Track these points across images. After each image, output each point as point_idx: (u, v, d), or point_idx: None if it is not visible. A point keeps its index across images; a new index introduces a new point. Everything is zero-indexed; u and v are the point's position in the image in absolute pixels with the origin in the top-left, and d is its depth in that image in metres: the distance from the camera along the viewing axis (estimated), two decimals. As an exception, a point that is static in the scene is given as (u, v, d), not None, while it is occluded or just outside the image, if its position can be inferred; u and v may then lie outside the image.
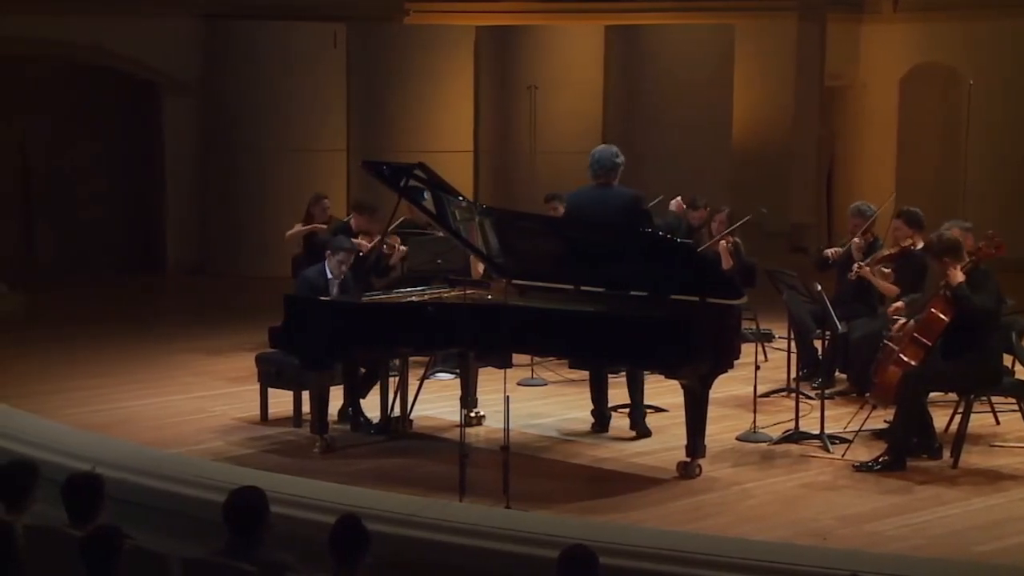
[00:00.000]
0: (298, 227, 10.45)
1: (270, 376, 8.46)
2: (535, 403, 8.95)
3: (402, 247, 9.69)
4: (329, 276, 8.31)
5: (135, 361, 10.36)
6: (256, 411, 8.53)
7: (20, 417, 8.21)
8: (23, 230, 15.32)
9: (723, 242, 9.69)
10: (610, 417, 8.27)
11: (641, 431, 8.06)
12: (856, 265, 8.75)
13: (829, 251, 9.35)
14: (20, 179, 15.31)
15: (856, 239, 9.06)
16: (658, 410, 8.46)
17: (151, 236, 15.48)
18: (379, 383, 8.28)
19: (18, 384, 9.40)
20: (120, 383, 9.58)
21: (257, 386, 8.57)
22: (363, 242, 9.53)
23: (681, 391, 7.39)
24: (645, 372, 8.15)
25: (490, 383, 8.56)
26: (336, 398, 8.23)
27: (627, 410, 8.37)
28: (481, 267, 9.06)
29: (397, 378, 8.27)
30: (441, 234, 9.20)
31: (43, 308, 12.86)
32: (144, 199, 15.52)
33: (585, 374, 8.95)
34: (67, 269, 14.95)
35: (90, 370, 10.00)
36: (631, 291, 7.48)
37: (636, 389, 8.10)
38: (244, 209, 14.86)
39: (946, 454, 7.52)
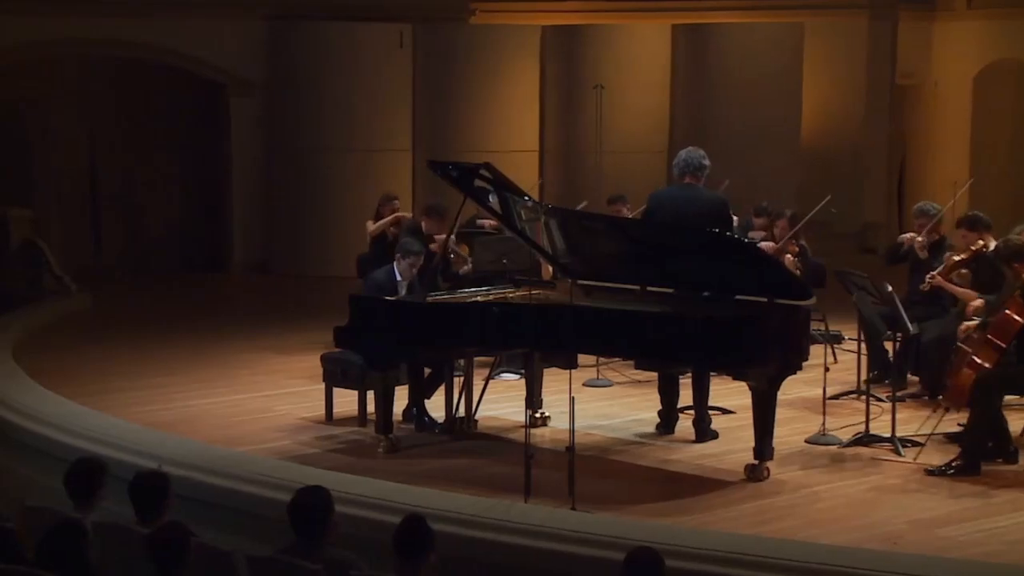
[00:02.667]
0: (380, 222, 10.46)
1: (335, 376, 8.51)
2: (601, 404, 8.93)
3: (468, 259, 9.69)
4: (398, 278, 8.35)
5: (201, 360, 10.45)
6: (321, 411, 8.58)
7: (88, 415, 8.32)
8: (91, 229, 15.54)
9: (788, 256, 9.65)
10: (677, 419, 8.23)
11: (703, 439, 8.01)
12: (929, 276, 8.63)
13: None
14: (88, 178, 15.54)
15: (919, 238, 8.95)
16: (725, 412, 8.41)
17: (216, 235, 15.63)
18: (444, 383, 8.30)
19: (86, 382, 9.52)
20: (186, 382, 9.67)
21: (322, 386, 8.62)
22: (433, 246, 9.56)
23: (748, 393, 7.32)
24: (712, 374, 8.10)
25: (555, 384, 8.54)
26: (401, 398, 8.25)
27: (693, 413, 8.35)
28: (549, 267, 9.05)
29: (462, 378, 8.28)
30: (507, 234, 9.22)
31: (110, 307, 13.02)
32: (210, 199, 15.67)
33: (651, 375, 8.91)
34: (133, 268, 15.12)
35: (156, 369, 10.11)
36: (698, 292, 7.43)
37: (701, 397, 8.05)
38: (309, 209, 14.95)
39: (1022, 459, 7.40)
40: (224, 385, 9.59)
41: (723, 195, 8.08)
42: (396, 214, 10.38)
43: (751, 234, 10.12)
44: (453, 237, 8.82)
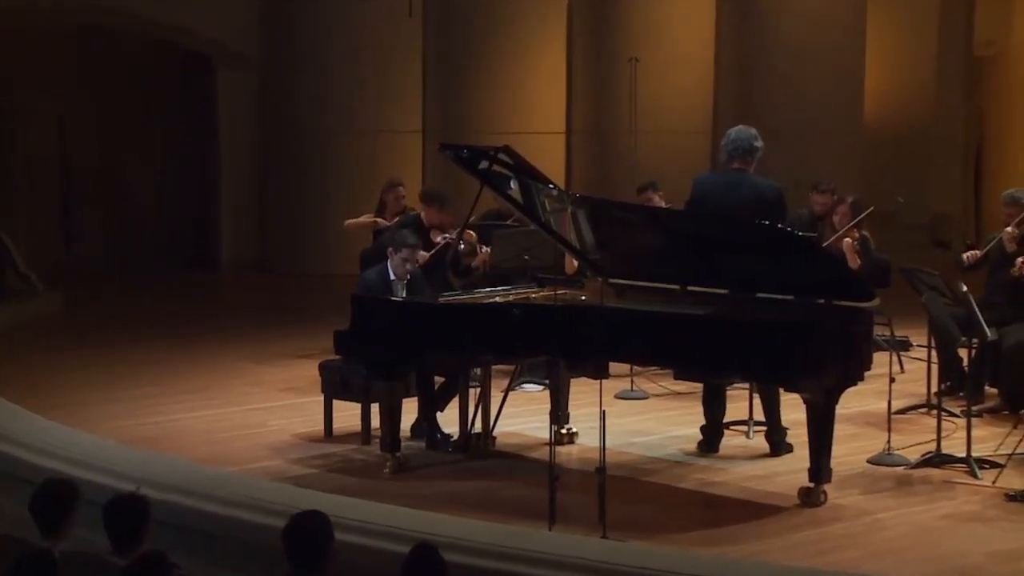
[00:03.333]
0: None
1: (335, 386, 8.52)
2: (635, 419, 8.92)
3: (484, 248, 9.69)
4: (392, 277, 8.32)
5: (185, 369, 10.49)
6: (319, 426, 8.60)
7: (57, 431, 8.34)
8: (62, 223, 15.61)
9: (847, 239, 9.52)
10: (722, 435, 8.21)
11: (778, 452, 8.02)
12: (1020, 260, 8.56)
13: (965, 255, 9.18)
14: (59, 166, 15.60)
15: (1008, 229, 8.89)
16: (768, 424, 8.38)
17: (204, 229, 15.70)
18: (458, 395, 8.30)
19: (55, 394, 9.56)
20: (169, 393, 9.71)
21: (321, 398, 8.63)
22: (434, 237, 9.55)
23: (803, 406, 7.30)
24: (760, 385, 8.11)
25: (584, 396, 8.53)
26: (410, 411, 8.26)
27: (743, 427, 8.33)
28: (575, 264, 9.04)
29: (478, 389, 8.28)
30: (529, 227, 9.21)
31: (84, 309, 13.08)
32: (196, 188, 15.74)
33: (692, 386, 8.87)
34: (111, 266, 15.21)
35: (135, 378, 10.14)
36: (745, 292, 7.41)
37: (771, 405, 8.03)
38: (308, 198, 15.00)
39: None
40: (212, 397, 9.62)
41: (776, 184, 8.03)
42: (370, 218, 10.39)
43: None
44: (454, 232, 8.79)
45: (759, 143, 7.92)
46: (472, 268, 9.72)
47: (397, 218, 10.27)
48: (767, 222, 7.38)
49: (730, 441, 8.24)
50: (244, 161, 15.40)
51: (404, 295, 8.27)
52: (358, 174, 14.55)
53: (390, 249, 8.36)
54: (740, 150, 7.88)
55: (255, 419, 9.02)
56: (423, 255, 9.04)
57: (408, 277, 8.31)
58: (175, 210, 15.83)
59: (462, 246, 9.48)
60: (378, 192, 10.79)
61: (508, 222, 10.11)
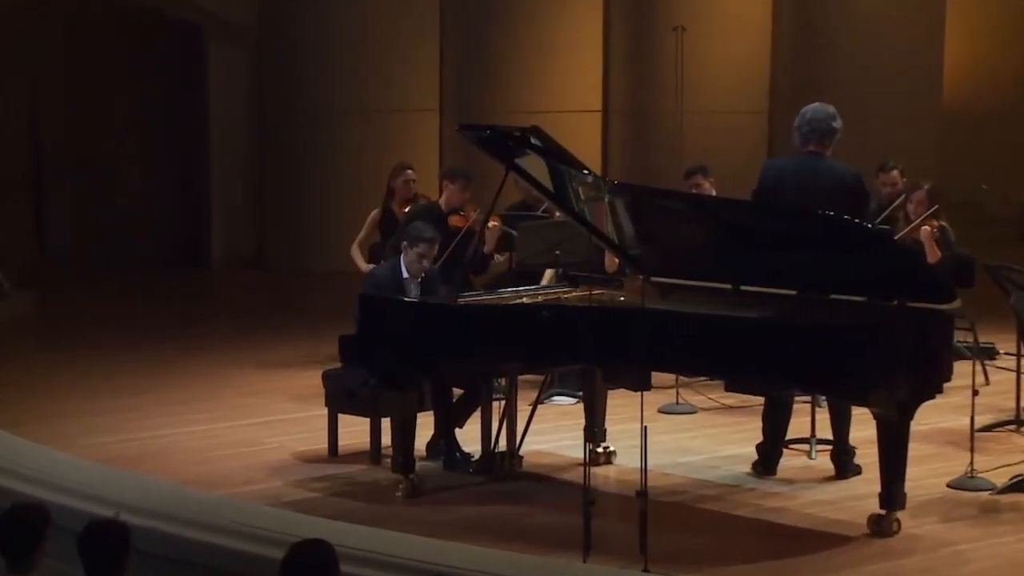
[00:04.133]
0: (358, 258, 10.38)
1: (341, 398, 8.52)
2: (681, 436, 8.92)
3: (508, 231, 9.64)
4: (405, 275, 8.32)
5: (172, 378, 10.50)
6: (323, 443, 8.60)
7: (27, 448, 8.35)
8: (34, 213, 15.66)
9: (925, 228, 9.44)
10: (781, 455, 8.18)
11: (845, 473, 8.00)
12: None
13: None
14: (30, 153, 15.64)
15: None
16: (835, 443, 8.34)
17: (192, 221, 15.73)
18: (479, 409, 8.29)
19: (25, 406, 9.57)
20: (153, 406, 9.71)
21: (324, 411, 8.63)
22: (455, 221, 9.51)
23: (873, 422, 7.27)
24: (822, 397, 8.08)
25: (623, 410, 8.52)
26: (425, 427, 8.26)
27: (804, 446, 8.31)
28: (615, 261, 9.01)
29: (503, 402, 8.27)
30: (560, 218, 9.17)
31: (58, 311, 13.11)
32: (184, 175, 15.77)
33: (746, 399, 8.83)
34: (87, 263, 15.24)
35: (115, 389, 10.16)
36: (806, 292, 7.38)
37: (841, 420, 8.01)
38: (309, 187, 15.02)
39: None
40: (201, 410, 9.63)
41: (854, 170, 8.00)
42: (372, 216, 10.36)
43: None
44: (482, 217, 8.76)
45: (838, 123, 7.91)
46: (489, 258, 9.69)
47: (408, 208, 10.26)
48: (844, 212, 7.34)
49: (790, 462, 8.21)
50: (238, 145, 15.42)
51: (418, 295, 8.26)
52: (366, 159, 14.55)
53: (404, 243, 8.35)
54: (817, 131, 7.87)
55: (250, 435, 9.02)
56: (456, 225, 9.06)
57: (423, 275, 8.30)
58: (160, 200, 15.86)
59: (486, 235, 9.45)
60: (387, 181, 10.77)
61: (536, 213, 10.09)
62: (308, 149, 15.04)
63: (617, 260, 8.81)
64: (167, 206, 15.86)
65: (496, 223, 9.64)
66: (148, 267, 15.28)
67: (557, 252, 9.32)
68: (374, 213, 10.58)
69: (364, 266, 10.29)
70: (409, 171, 10.62)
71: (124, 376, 10.55)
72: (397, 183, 10.54)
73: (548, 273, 9.45)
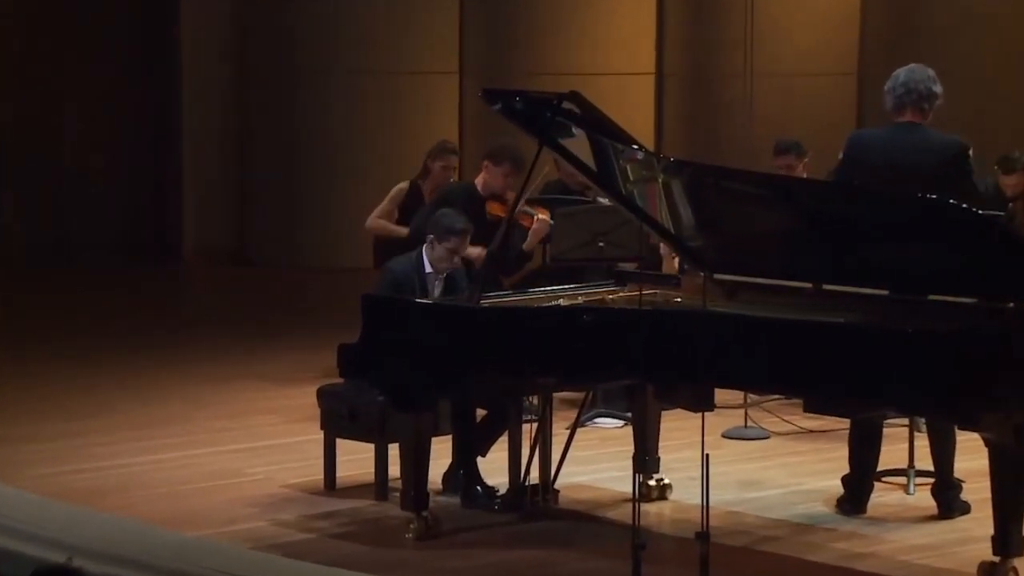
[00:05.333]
0: (381, 223, 10.37)
1: (340, 420, 8.51)
2: (751, 466, 8.92)
3: (545, 220, 9.62)
4: (427, 270, 8.32)
5: (137, 395, 10.51)
6: (318, 473, 8.59)
7: (-35, 480, 8.40)
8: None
9: None
10: (872, 489, 8.15)
11: (949, 512, 7.96)
12: None
13: None
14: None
15: None
16: (938, 476, 8.32)
17: (161, 206, 15.76)
18: (507, 433, 8.28)
19: (-36, 429, 9.63)
20: (114, 429, 9.72)
21: (320, 435, 8.63)
22: (495, 210, 9.46)
23: (984, 450, 7.22)
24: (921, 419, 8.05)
25: (679, 435, 8.52)
26: (442, 455, 8.25)
27: (900, 479, 8.29)
28: (673, 258, 8.98)
29: (534, 426, 8.25)
30: (604, 202, 9.14)
31: (5, 315, 13.13)
32: (152, 151, 15.80)
33: (828, 422, 8.80)
34: (37, 256, 15.28)
35: (69, 408, 10.18)
36: (901, 292, 7.36)
37: (943, 449, 7.98)
38: (303, 165, 15.03)
39: None
40: (173, 434, 9.64)
41: (963, 140, 7.97)
42: (399, 232, 10.24)
43: None
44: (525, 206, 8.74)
45: (938, 87, 7.90)
46: (528, 257, 9.67)
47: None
48: (947, 194, 7.29)
49: (883, 498, 8.19)
50: (215, 116, 15.45)
51: (439, 294, 8.25)
52: (372, 131, 14.56)
53: (431, 237, 8.29)
54: (913, 95, 7.86)
55: (231, 464, 9.02)
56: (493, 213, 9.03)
57: (448, 272, 8.30)
58: (124, 180, 15.89)
59: (527, 223, 9.43)
60: (398, 156, 10.77)
61: (576, 196, 10.08)
62: (301, 119, 15.06)
63: (674, 254, 8.77)
64: (131, 189, 15.89)
65: (545, 216, 9.60)
66: (107, 261, 15.30)
67: (601, 244, 9.30)
68: (400, 187, 10.54)
69: (392, 228, 10.27)
70: (453, 156, 10.56)
71: (79, 393, 10.56)
72: (436, 165, 10.48)
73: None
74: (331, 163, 14.85)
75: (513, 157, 9.52)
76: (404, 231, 10.05)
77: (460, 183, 10.13)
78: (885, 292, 7.42)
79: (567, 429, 8.46)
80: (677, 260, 8.86)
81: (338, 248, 14.25)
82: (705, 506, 6.69)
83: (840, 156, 8.18)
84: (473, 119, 14.65)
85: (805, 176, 10.14)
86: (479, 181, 9.67)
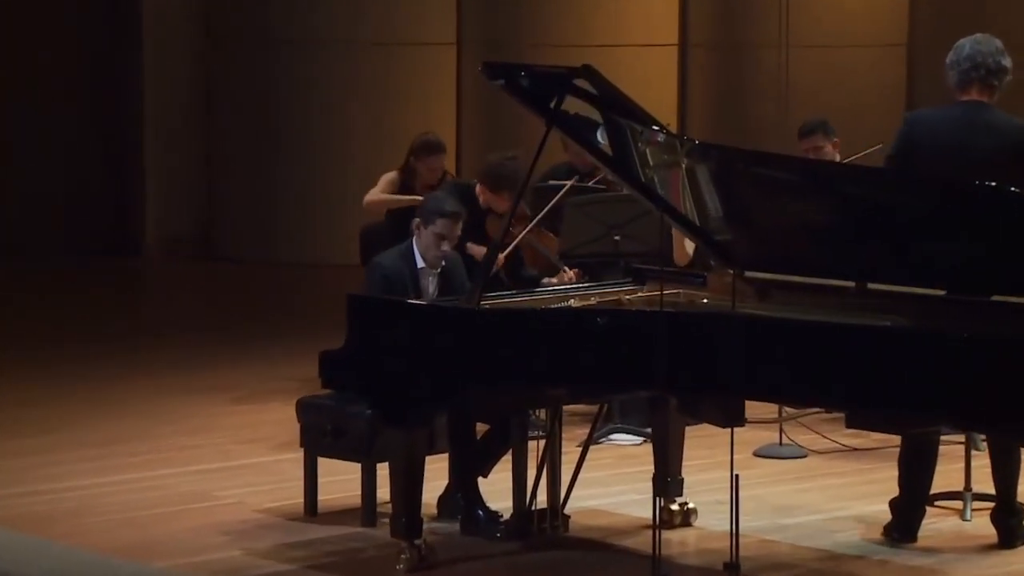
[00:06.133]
0: (385, 195, 10.40)
1: (322, 437, 8.52)
2: (786, 488, 8.94)
3: (558, 260, 9.69)
4: (419, 264, 8.34)
5: (94, 409, 10.54)
6: (298, 497, 8.60)
7: None
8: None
9: None
10: (924, 514, 8.16)
11: (1011, 541, 7.97)
12: None
13: None
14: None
15: None
16: (999, 501, 8.34)
17: (120, 195, 15.76)
18: (511, 451, 8.30)
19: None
20: (67, 447, 9.74)
21: (299, 454, 8.64)
22: (496, 227, 9.49)
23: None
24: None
25: (706, 453, 8.58)
26: (437, 475, 8.27)
27: (956, 503, 8.30)
28: (690, 247, 8.99)
29: (542, 443, 8.27)
30: (619, 190, 9.16)
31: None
32: (108, 133, 15.79)
33: (875, 438, 8.82)
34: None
35: (15, 423, 10.19)
36: (958, 291, 7.37)
37: (1007, 471, 7.99)
38: (280, 149, 15.03)
39: None
40: (134, 452, 9.65)
41: None
42: (409, 198, 10.22)
43: None
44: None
45: (1007, 61, 7.88)
46: (537, 280, 9.73)
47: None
48: (1017, 182, 7.30)
49: (936, 524, 8.20)
50: (180, 93, 15.45)
51: (434, 293, 8.26)
52: (358, 111, 14.55)
53: (417, 221, 8.31)
54: (981, 70, 7.85)
55: (200, 487, 9.04)
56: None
57: (443, 264, 8.30)
58: (78, 167, 15.89)
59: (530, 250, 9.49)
60: (391, 140, 10.78)
61: (588, 184, 10.10)
62: (277, 98, 15.06)
63: (694, 248, 8.79)
64: (86, 176, 15.89)
65: (574, 275, 9.64)
66: (60, 255, 15.30)
67: (616, 238, 9.31)
68: (390, 176, 10.54)
69: (396, 197, 10.30)
70: (438, 156, 10.49)
71: (29, 407, 10.58)
72: (421, 165, 10.47)
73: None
74: (311, 146, 14.86)
75: (507, 179, 9.59)
76: (411, 199, 10.05)
77: (458, 186, 10.09)
78: (941, 292, 7.43)
79: (579, 447, 8.49)
80: (691, 247, 8.88)
81: (319, 241, 14.26)
82: (734, 534, 6.71)
83: (895, 141, 8.15)
84: (472, 96, 14.67)
85: (836, 159, 10.14)
86: (479, 192, 9.73)
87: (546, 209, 8.43)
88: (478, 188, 9.83)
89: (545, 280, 9.76)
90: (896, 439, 8.30)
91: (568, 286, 8.51)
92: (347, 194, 10.85)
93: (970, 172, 7.59)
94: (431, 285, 8.32)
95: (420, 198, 9.84)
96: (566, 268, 9.72)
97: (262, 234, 15.15)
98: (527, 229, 8.89)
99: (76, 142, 15.91)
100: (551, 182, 10.14)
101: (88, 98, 15.88)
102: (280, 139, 15.05)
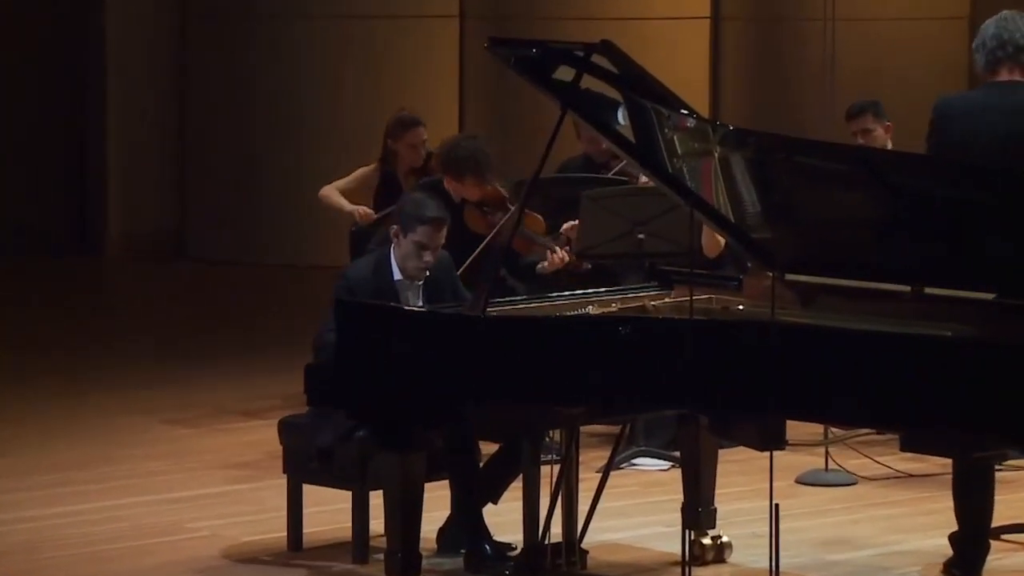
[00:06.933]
0: (336, 198, 10.44)
1: (308, 461, 8.52)
2: (833, 520, 8.94)
3: (550, 241, 9.69)
4: (396, 276, 8.34)
5: (49, 429, 10.56)
6: (280, 529, 8.60)
7: None
8: None
9: None
10: (988, 549, 8.17)
11: None
12: None
13: None
14: None
15: None
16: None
17: (80, 189, 15.77)
18: (521, 476, 8.31)
19: None
20: (19, 472, 9.75)
21: (282, 480, 8.65)
22: (474, 221, 9.54)
23: None
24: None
25: (741, 480, 8.61)
26: (438, 504, 8.28)
27: None
28: (722, 238, 9.01)
29: (557, 467, 8.28)
30: (643, 182, 9.17)
31: None
32: (67, 122, 15.82)
33: (933, 463, 8.85)
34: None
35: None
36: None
37: None
38: (261, 136, 15.04)
39: None
40: (95, 479, 9.67)
41: None
42: (357, 209, 10.31)
43: None
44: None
45: None
46: (540, 271, 9.73)
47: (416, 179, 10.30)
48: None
49: (1003, 560, 8.21)
50: (145, 77, 15.46)
51: (422, 304, 8.27)
52: (350, 92, 14.57)
53: (395, 228, 8.31)
54: (1008, 48, 7.86)
55: (169, 518, 9.04)
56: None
57: (426, 275, 8.29)
58: (28, 152, 15.91)
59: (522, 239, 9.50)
60: (375, 129, 10.78)
61: (607, 175, 10.11)
62: (252, 79, 15.07)
63: (721, 245, 8.79)
64: (42, 168, 15.91)
65: (566, 255, 9.66)
66: (9, 256, 15.31)
67: (640, 236, 9.32)
68: (364, 171, 10.58)
69: (346, 205, 10.39)
70: (420, 128, 10.58)
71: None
72: (401, 145, 10.53)
73: None
74: (297, 132, 14.88)
75: (473, 165, 9.67)
76: (349, 207, 10.21)
77: (429, 184, 10.07)
78: (1014, 300, 7.43)
79: (598, 472, 8.51)
80: (723, 241, 8.88)
81: (306, 240, 14.26)
82: (774, 572, 6.71)
83: (929, 130, 8.18)
84: (476, 75, 14.68)
85: (888, 145, 10.14)
86: (447, 185, 9.76)
87: (526, 189, 8.38)
88: (444, 181, 9.83)
89: (539, 267, 9.77)
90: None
91: (563, 271, 8.50)
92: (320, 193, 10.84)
93: (1009, 159, 7.62)
94: (414, 296, 8.30)
95: (351, 208, 9.95)
96: (555, 248, 9.71)
97: (241, 231, 15.16)
98: (510, 215, 8.86)
99: (27, 125, 15.92)
100: (563, 176, 10.16)
101: (41, 76, 15.90)
102: (263, 124, 15.05)
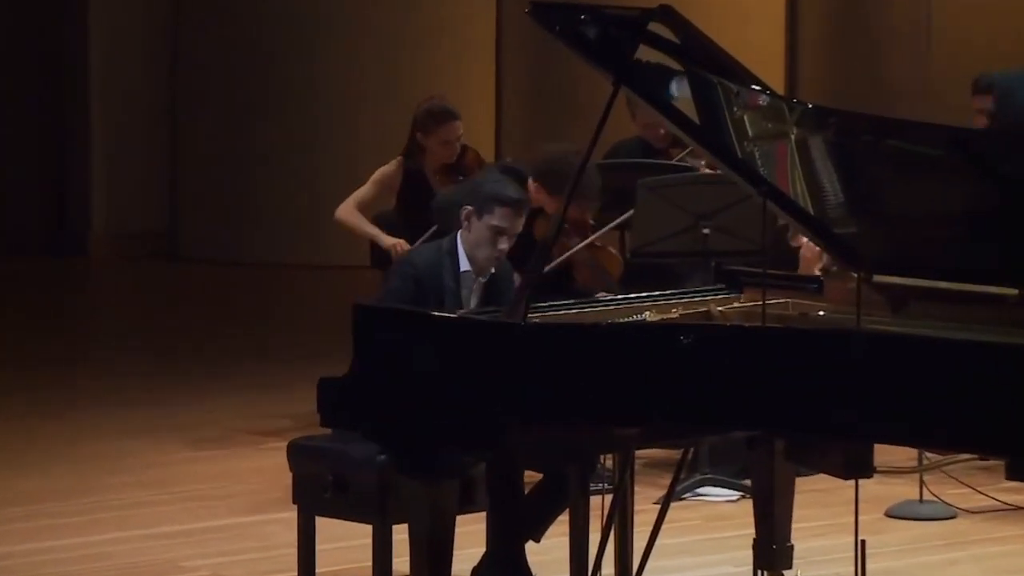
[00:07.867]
0: (357, 218, 10.46)
1: (322, 491, 8.55)
2: (928, 560, 8.95)
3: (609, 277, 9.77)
4: (463, 267, 8.40)
5: (23, 453, 10.63)
6: (290, 568, 8.63)
7: None
8: None
9: None
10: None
11: None
12: None
13: None
14: None
15: None
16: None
17: (62, 185, 15.86)
18: (569, 510, 8.33)
19: None
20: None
21: (292, 513, 8.67)
22: (544, 229, 9.57)
23: None
24: None
25: (821, 513, 8.64)
26: (472, 540, 8.30)
27: None
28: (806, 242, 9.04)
29: (609, 497, 8.31)
30: (707, 169, 9.19)
31: None
32: (49, 117, 15.91)
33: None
34: None
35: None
36: None
37: None
38: (259, 123, 15.12)
39: None
40: (77, 510, 9.73)
41: None
42: (394, 246, 10.25)
43: None
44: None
45: None
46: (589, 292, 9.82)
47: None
48: None
49: None
50: (133, 69, 15.55)
51: (475, 304, 8.30)
52: (363, 74, 14.65)
53: (468, 209, 8.30)
54: None
55: (162, 554, 9.09)
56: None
57: (492, 272, 8.33)
58: (13, 154, 16.01)
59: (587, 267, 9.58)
60: (399, 116, 10.80)
61: (667, 161, 10.14)
62: (246, 67, 15.16)
63: (822, 257, 8.82)
64: (22, 164, 16.02)
65: (614, 252, 9.71)
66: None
67: (705, 231, 9.35)
68: (385, 170, 10.58)
69: (369, 228, 10.31)
70: (451, 124, 10.55)
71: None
72: (431, 141, 10.52)
73: None
74: (300, 119, 14.97)
75: (555, 177, 9.66)
76: (387, 242, 10.14)
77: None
78: None
79: (657, 504, 8.52)
80: (825, 256, 8.90)
81: (309, 237, 14.34)
82: (861, 616, 6.74)
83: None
84: (516, 48, 14.73)
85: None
86: (532, 189, 9.79)
87: (616, 222, 8.45)
88: (531, 184, 9.83)
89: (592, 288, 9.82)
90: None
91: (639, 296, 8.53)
92: (345, 176, 10.86)
93: None
94: (473, 296, 8.34)
95: (406, 245, 9.93)
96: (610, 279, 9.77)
97: (236, 229, 15.22)
98: (585, 242, 8.93)
99: (5, 117, 16.03)
100: (617, 161, 10.19)
101: (24, 74, 16.01)
102: (260, 114, 15.12)
